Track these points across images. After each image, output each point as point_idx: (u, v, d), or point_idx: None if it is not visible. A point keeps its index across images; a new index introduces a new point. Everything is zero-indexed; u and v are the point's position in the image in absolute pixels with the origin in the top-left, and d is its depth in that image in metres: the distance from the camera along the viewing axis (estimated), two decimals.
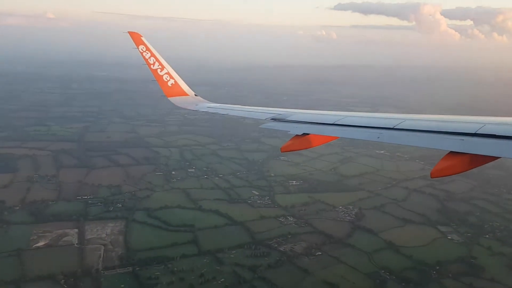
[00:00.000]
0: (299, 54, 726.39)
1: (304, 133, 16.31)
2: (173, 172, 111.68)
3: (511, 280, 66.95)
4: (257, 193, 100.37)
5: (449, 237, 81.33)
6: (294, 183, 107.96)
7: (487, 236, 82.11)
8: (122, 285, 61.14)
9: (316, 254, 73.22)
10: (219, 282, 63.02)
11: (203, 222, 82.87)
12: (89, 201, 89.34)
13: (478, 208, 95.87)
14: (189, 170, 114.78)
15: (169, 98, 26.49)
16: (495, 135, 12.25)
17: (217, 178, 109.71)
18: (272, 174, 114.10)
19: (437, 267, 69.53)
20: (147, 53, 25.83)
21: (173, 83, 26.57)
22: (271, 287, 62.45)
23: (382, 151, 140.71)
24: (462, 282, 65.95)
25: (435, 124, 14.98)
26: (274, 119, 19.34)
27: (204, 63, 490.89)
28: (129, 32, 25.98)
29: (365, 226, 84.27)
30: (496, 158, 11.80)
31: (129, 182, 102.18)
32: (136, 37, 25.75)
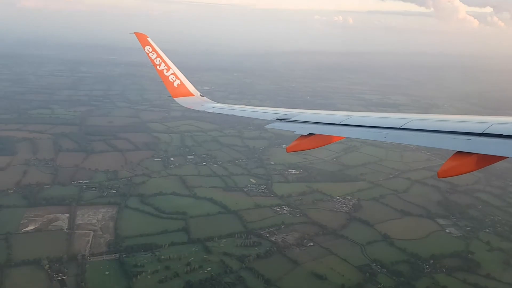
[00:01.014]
0: (314, 40, 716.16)
1: (309, 133, 16.16)
2: (172, 158, 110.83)
3: (506, 277, 64.99)
4: (254, 181, 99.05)
5: (447, 231, 79.36)
6: (293, 172, 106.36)
7: (487, 230, 79.91)
8: (107, 272, 60.70)
9: (308, 245, 71.90)
10: (205, 271, 62.15)
11: (196, 210, 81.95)
12: (84, 186, 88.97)
13: (481, 201, 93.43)
14: (188, 156, 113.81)
15: (175, 98, 26.39)
16: (502, 134, 12.18)
17: (215, 165, 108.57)
18: (272, 162, 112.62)
19: (431, 261, 67.87)
20: (153, 54, 25.86)
21: (179, 83, 26.41)
22: (257, 278, 61.31)
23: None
24: (455, 278, 64.25)
25: (442, 124, 14.89)
26: (279, 119, 19.09)
27: (216, 47, 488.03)
28: (135, 33, 26.18)
29: (361, 218, 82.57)
30: (504, 158, 11.68)
31: (127, 167, 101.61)
32: (142, 38, 25.89)
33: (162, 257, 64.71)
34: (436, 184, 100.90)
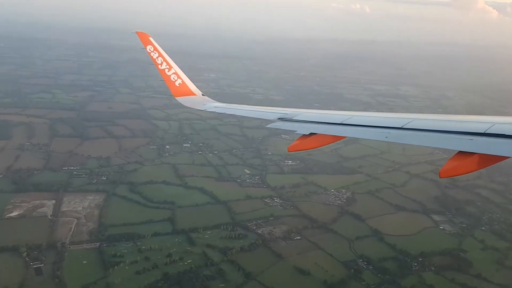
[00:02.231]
0: (329, 28, 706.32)
1: (311, 133, 16.07)
2: (167, 146, 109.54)
3: (498, 278, 62.49)
4: (248, 171, 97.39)
5: (441, 227, 77.00)
6: (289, 163, 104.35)
7: (483, 228, 77.40)
8: (85, 262, 59.79)
9: (295, 238, 70.24)
10: (185, 263, 60.89)
11: (184, 200, 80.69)
12: (75, 172, 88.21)
13: (481, 197, 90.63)
14: (184, 145, 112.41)
15: (176, 98, 26.53)
16: (504, 134, 12.22)
17: (211, 154, 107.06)
18: (269, 153, 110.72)
19: (420, 259, 65.87)
20: (155, 53, 25.82)
21: (181, 82, 26.50)
22: (237, 271, 59.88)
23: None
24: (443, 277, 62.16)
25: (443, 123, 14.90)
26: (281, 119, 19.17)
27: (228, 33, 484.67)
28: (136, 32, 26.10)
29: (353, 212, 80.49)
30: (506, 158, 11.59)
31: (120, 154, 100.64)
32: (144, 37, 25.87)
33: (143, 247, 63.60)
34: (436, 178, 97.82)
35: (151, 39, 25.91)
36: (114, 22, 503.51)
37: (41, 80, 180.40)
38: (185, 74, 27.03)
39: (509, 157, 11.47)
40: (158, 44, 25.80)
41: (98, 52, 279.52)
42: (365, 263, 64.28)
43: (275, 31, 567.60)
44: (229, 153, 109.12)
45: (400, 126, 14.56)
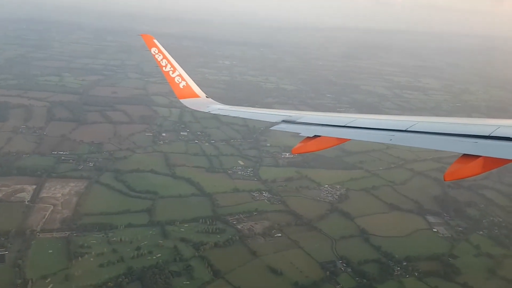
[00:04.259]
0: (357, 16, 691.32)
1: (315, 135, 16.17)
2: (164, 134, 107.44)
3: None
4: (242, 163, 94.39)
5: (435, 230, 72.39)
6: (287, 156, 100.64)
7: (481, 232, 72.44)
8: (50, 251, 58.20)
9: (275, 235, 67.04)
10: (154, 257, 58.61)
11: (168, 190, 78.39)
12: (62, 157, 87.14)
13: (485, 199, 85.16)
14: (182, 133, 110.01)
15: (181, 100, 26.70)
16: (509, 137, 12.26)
17: (207, 144, 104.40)
18: (268, 144, 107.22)
19: (405, 263, 61.77)
20: (159, 55, 25.96)
21: (185, 85, 26.56)
22: (205, 269, 57.21)
23: None
24: (425, 284, 58.10)
25: (448, 126, 14.80)
26: (285, 121, 19.23)
27: (251, 20, 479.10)
28: (141, 35, 26.41)
29: (343, 209, 76.53)
30: (511, 161, 11.52)
31: (114, 140, 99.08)
32: (148, 40, 25.90)
33: (114, 239, 61.64)
34: (439, 177, 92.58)
35: (155, 41, 25.91)
36: (137, 6, 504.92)
37: (54, 63, 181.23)
38: (189, 76, 27.00)
39: None
40: (163, 45, 25.71)
41: (117, 37, 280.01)
42: (344, 265, 60.65)
43: (300, 19, 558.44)
44: (226, 143, 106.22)
45: (405, 129, 14.58)
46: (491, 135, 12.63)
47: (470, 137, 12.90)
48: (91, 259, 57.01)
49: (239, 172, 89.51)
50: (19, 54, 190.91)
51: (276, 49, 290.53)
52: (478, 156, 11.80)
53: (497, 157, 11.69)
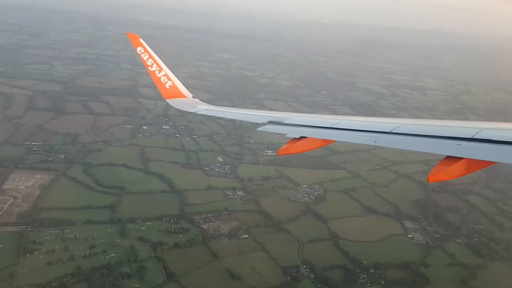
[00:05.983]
0: (366, 13, 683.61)
1: (301, 136, 16.22)
2: (144, 127, 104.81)
3: None
4: (221, 160, 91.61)
5: (410, 236, 69.00)
6: (269, 153, 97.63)
7: (459, 240, 68.98)
8: (0, 246, 55.78)
9: (241, 237, 64.18)
10: (107, 257, 55.93)
11: (137, 186, 75.80)
12: (34, 148, 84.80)
13: (468, 205, 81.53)
14: (164, 126, 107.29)
15: (166, 100, 26.53)
16: (491, 140, 12.45)
17: (188, 138, 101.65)
18: (252, 141, 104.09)
19: (372, 270, 58.68)
20: (145, 54, 25.91)
21: (171, 84, 26.52)
22: (159, 271, 54.57)
23: None
24: None
25: (432, 128, 14.96)
26: (271, 122, 19.31)
27: (255, 14, 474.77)
28: (127, 34, 26.39)
29: (317, 211, 73.47)
30: (493, 163, 11.83)
31: (91, 132, 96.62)
32: (134, 39, 25.90)
33: (68, 236, 59.05)
34: (424, 180, 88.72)
35: (141, 40, 25.91)
36: None
37: (47, 51, 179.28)
38: (175, 75, 26.90)
39: (496, 162, 11.62)
40: (148, 45, 25.59)
41: (117, 27, 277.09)
42: (308, 270, 57.80)
43: (307, 14, 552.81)
44: (208, 138, 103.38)
45: (389, 131, 14.74)
46: (473, 137, 12.77)
47: (453, 139, 13.05)
48: (41, 256, 54.48)
49: (216, 169, 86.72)
50: (13, 41, 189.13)
51: (278, 44, 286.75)
52: (461, 158, 11.97)
53: (480, 159, 11.90)
